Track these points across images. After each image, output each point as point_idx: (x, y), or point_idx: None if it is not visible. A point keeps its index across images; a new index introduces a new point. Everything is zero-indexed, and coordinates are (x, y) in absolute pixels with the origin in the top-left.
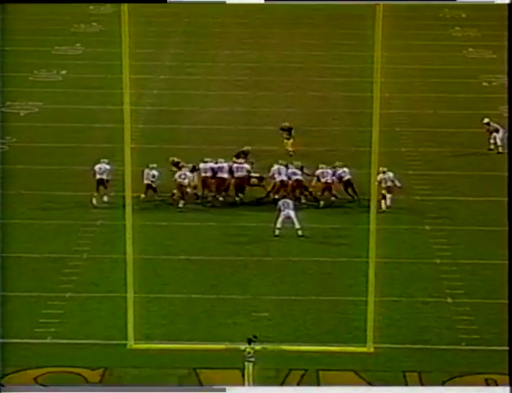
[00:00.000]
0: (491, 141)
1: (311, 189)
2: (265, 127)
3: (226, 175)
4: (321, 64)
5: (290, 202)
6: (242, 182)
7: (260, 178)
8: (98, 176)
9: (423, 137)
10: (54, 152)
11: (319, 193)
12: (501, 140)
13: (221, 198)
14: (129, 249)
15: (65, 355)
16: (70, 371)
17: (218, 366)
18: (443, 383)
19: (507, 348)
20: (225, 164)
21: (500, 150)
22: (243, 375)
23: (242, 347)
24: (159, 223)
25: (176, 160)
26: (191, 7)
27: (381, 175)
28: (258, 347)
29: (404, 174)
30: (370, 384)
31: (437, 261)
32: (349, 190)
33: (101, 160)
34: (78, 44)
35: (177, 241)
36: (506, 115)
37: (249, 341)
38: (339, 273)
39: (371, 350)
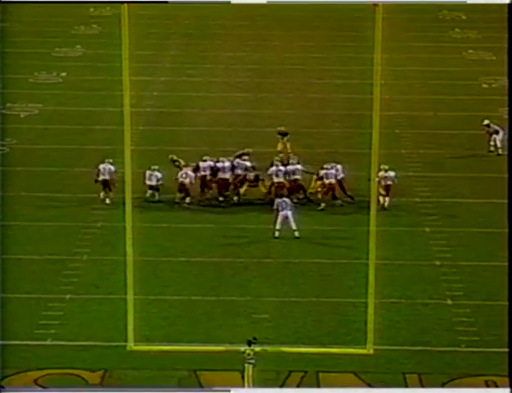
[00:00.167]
0: (491, 143)
1: (311, 190)
2: (266, 129)
3: (228, 175)
4: (321, 66)
5: (288, 202)
6: (239, 180)
7: (256, 177)
8: (101, 177)
9: (423, 138)
10: (54, 154)
11: (319, 195)
12: (501, 142)
13: (221, 198)
14: (129, 250)
15: (65, 357)
16: (70, 373)
17: (218, 368)
18: (443, 385)
19: (507, 350)
20: (227, 164)
21: (500, 152)
22: (243, 377)
23: (242, 349)
24: (159, 225)
25: (175, 157)
26: (192, 9)
27: (382, 172)
28: (257, 349)
29: (404, 176)
30: (370, 386)
31: (437, 263)
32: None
33: (106, 160)
34: (78, 46)
35: (177, 242)
36: (506, 116)
37: (249, 343)
38: (339, 275)
39: (371, 351)
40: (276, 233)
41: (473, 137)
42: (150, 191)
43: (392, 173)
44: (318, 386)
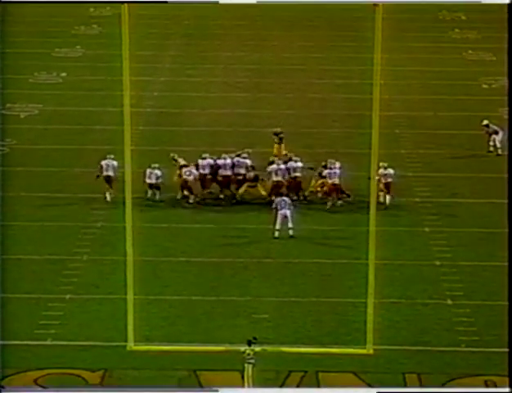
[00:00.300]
0: (491, 143)
1: (311, 188)
2: (265, 129)
3: (229, 172)
4: (320, 66)
5: (288, 201)
6: (239, 179)
7: (256, 177)
8: (105, 173)
9: (422, 139)
10: (54, 154)
11: (319, 194)
12: (500, 142)
13: (221, 196)
14: (129, 250)
15: (65, 357)
16: (70, 372)
17: (218, 368)
18: (443, 385)
19: (507, 350)
20: (228, 161)
21: (500, 152)
22: (243, 377)
23: (242, 349)
24: (159, 225)
25: (176, 157)
26: (192, 9)
27: (382, 170)
28: (257, 349)
29: (404, 176)
30: (369, 385)
31: (437, 263)
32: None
33: (108, 156)
34: (78, 46)
35: (177, 242)
36: (506, 117)
37: (249, 343)
38: (339, 275)
39: (371, 351)
40: (276, 233)
41: (472, 138)
42: (150, 191)
43: (391, 171)
44: (318, 386)
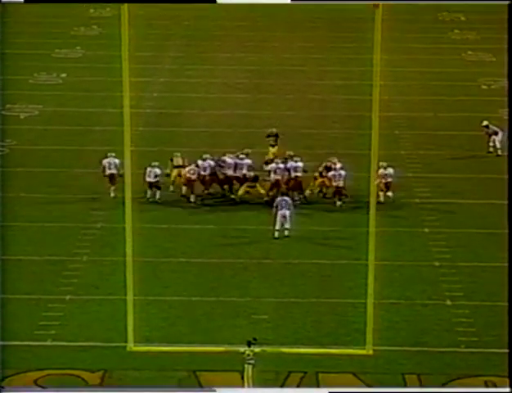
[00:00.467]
0: (491, 144)
1: (312, 187)
2: (265, 130)
3: (231, 172)
4: (320, 67)
5: (289, 201)
6: (239, 178)
7: (256, 177)
8: (108, 171)
9: (422, 139)
10: (54, 155)
11: (318, 190)
12: (500, 143)
13: (223, 195)
14: (129, 251)
15: (65, 357)
16: (70, 373)
17: (218, 368)
18: (442, 385)
19: (506, 350)
20: (230, 161)
21: (500, 153)
22: (242, 377)
23: (242, 349)
24: (158, 226)
25: (176, 157)
26: (191, 10)
27: (382, 170)
28: (257, 349)
29: (403, 177)
30: (369, 386)
31: (437, 264)
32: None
33: (109, 155)
34: (78, 47)
35: (177, 243)
36: (506, 117)
37: (249, 344)
38: (339, 276)
39: (370, 352)
40: (276, 234)
41: (472, 138)
42: (150, 191)
43: (391, 170)
44: (318, 386)
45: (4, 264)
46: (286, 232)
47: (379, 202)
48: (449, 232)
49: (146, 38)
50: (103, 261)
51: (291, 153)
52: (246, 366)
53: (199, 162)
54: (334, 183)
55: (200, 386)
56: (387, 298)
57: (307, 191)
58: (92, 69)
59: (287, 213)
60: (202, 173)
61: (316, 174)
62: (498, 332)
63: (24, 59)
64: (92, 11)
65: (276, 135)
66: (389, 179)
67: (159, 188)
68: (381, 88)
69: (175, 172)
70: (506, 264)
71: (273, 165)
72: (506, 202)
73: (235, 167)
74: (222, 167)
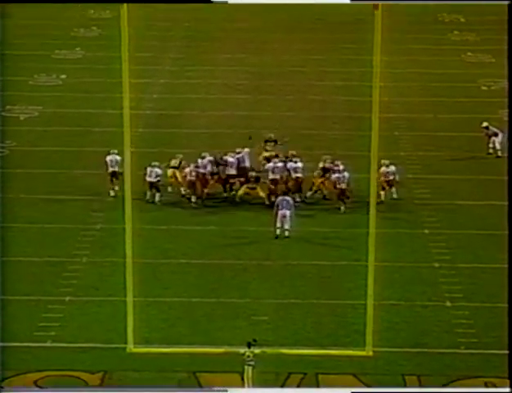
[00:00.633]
0: (490, 145)
1: (314, 188)
2: (265, 131)
3: (233, 171)
4: (320, 68)
5: (290, 201)
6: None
7: (257, 178)
8: (110, 169)
9: (422, 141)
10: (54, 156)
11: (323, 192)
12: (500, 144)
13: (225, 194)
14: (129, 252)
15: (64, 359)
16: (70, 374)
17: (218, 369)
18: (442, 386)
19: (506, 352)
20: (233, 159)
21: (499, 154)
22: (242, 378)
23: (242, 351)
24: (158, 227)
25: (179, 158)
26: (191, 11)
27: (384, 168)
28: (257, 351)
29: (403, 178)
30: (369, 387)
31: (436, 265)
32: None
33: (111, 151)
34: (77, 48)
35: (177, 244)
36: (506, 119)
37: (249, 345)
38: (339, 277)
39: (370, 353)
40: (277, 231)
41: (472, 140)
42: (149, 193)
43: (393, 168)
44: (318, 387)
45: (4, 265)
46: (286, 233)
47: (380, 202)
48: (449, 234)
49: (146, 39)
50: (103, 262)
51: (294, 153)
52: (246, 367)
53: (199, 161)
54: (338, 186)
55: (200, 387)
56: (387, 299)
57: (309, 193)
58: (91, 70)
59: (287, 213)
60: (202, 171)
61: (315, 175)
62: (498, 333)
63: (23, 60)
64: (91, 12)
65: (275, 141)
66: (391, 177)
67: (158, 190)
68: (381, 90)
69: (170, 172)
70: (506, 266)
71: (271, 165)
72: (506, 203)
73: (238, 163)
74: (223, 165)
